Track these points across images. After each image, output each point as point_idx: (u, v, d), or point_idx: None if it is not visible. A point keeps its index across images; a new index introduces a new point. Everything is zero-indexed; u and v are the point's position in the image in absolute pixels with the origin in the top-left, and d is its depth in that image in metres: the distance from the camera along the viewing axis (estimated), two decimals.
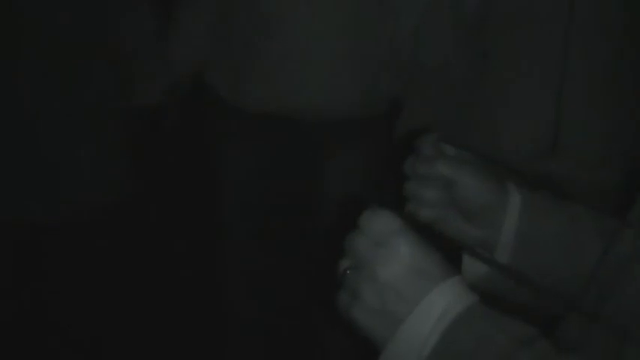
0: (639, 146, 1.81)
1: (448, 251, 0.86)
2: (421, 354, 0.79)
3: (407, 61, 2.05)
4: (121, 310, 2.23)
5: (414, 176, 1.03)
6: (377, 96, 2.14)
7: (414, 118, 1.98)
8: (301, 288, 2.27)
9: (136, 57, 2.11)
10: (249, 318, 2.30)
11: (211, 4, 2.15)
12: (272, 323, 2.32)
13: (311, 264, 2.22)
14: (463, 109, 1.90)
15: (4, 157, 1.97)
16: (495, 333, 0.79)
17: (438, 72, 1.94)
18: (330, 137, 2.15)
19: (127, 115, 2.11)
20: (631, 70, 1.81)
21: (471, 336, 0.79)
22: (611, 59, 1.78)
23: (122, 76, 2.08)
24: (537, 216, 1.01)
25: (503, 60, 1.83)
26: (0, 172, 1.97)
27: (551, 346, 0.78)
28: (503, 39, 1.82)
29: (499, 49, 1.83)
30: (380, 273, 0.81)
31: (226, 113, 2.19)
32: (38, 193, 1.99)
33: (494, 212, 1.01)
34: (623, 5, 1.76)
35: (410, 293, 0.81)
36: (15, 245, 2.06)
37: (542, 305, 0.93)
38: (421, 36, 1.98)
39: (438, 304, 0.80)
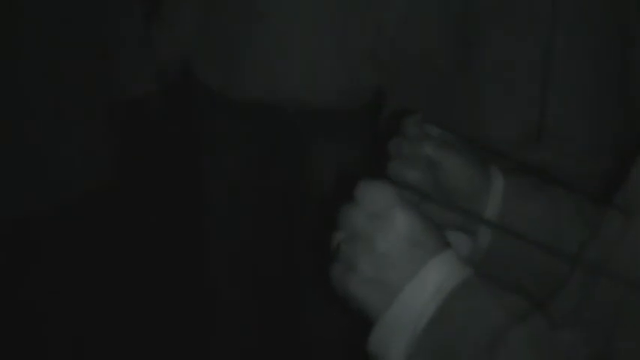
0: (626, 136, 1.82)
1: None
2: (417, 325, 0.79)
3: (393, 51, 2.05)
4: (108, 298, 2.23)
5: (398, 156, 1.03)
6: (362, 85, 2.14)
7: (400, 107, 1.98)
8: (289, 274, 2.27)
9: (123, 47, 2.11)
10: (237, 308, 2.30)
11: None
12: (260, 311, 2.32)
13: (298, 249, 2.22)
14: (449, 98, 1.90)
15: None
16: (491, 306, 0.79)
17: (424, 61, 1.94)
18: (316, 126, 2.15)
19: (113, 106, 2.11)
20: (616, 60, 1.81)
21: (468, 309, 0.79)
22: (596, 49, 1.79)
23: (109, 66, 2.08)
24: (520, 201, 1.01)
25: (489, 49, 1.84)
26: None
27: (545, 321, 0.78)
28: (489, 28, 1.82)
29: (484, 38, 1.84)
30: (377, 244, 0.81)
31: (213, 103, 2.19)
32: (24, 184, 1.98)
33: (476, 195, 1.01)
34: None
35: (407, 264, 0.80)
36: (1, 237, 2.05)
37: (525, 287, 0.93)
38: (407, 25, 1.98)
39: (435, 276, 0.80)
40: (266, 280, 2.29)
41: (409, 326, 0.80)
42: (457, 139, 1.04)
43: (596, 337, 0.79)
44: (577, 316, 0.84)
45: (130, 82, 2.14)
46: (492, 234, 1.00)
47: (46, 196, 1.99)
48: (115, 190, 2.10)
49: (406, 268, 0.80)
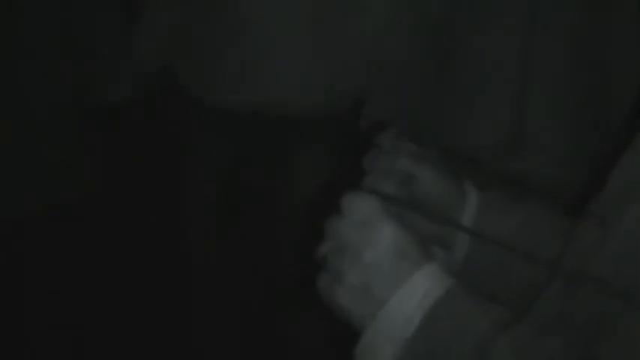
0: (602, 146, 1.84)
1: None
2: (403, 335, 0.81)
3: (371, 59, 2.06)
4: (88, 301, 2.22)
5: (373, 170, 1.04)
6: (342, 94, 2.15)
7: (379, 116, 2.00)
8: (268, 282, 2.28)
9: (102, 53, 2.11)
10: (216, 315, 2.30)
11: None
12: (241, 320, 2.33)
13: (282, 258, 2.23)
14: (428, 106, 1.92)
15: None
16: (476, 316, 0.81)
17: (402, 70, 1.96)
18: (296, 134, 2.16)
19: (92, 112, 2.11)
20: (594, 68, 1.84)
21: (453, 319, 0.81)
22: (573, 58, 1.82)
23: (88, 72, 2.08)
24: (494, 214, 1.03)
25: (466, 58, 1.86)
26: None
27: (528, 330, 0.81)
28: (466, 37, 1.84)
29: (462, 47, 1.86)
30: (364, 255, 0.83)
31: (193, 110, 2.19)
32: (2, 188, 1.97)
33: (451, 209, 1.02)
34: (581, 6, 1.79)
35: (393, 275, 0.82)
36: None
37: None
38: (386, 34, 2.00)
39: (420, 287, 0.82)
40: (248, 288, 2.30)
41: (395, 336, 0.81)
42: (432, 153, 1.05)
43: (576, 345, 0.81)
44: (556, 326, 0.87)
45: (109, 89, 2.14)
46: (468, 246, 1.02)
47: (23, 202, 1.99)
48: (94, 197, 2.10)
49: (392, 279, 0.82)
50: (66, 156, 2.03)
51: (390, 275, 0.82)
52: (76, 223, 2.10)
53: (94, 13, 2.08)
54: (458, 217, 1.02)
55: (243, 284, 2.31)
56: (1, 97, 1.94)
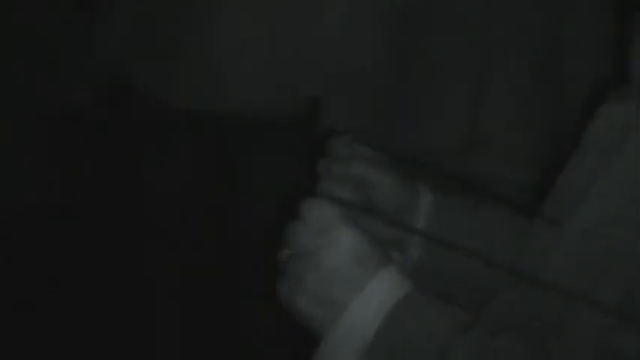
0: (562, 147, 1.86)
1: None
2: (364, 339, 0.82)
3: (331, 63, 2.07)
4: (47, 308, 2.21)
5: (328, 176, 1.05)
6: (301, 97, 2.15)
7: (339, 118, 2.01)
8: (225, 287, 2.27)
9: (61, 57, 2.10)
10: (175, 319, 2.30)
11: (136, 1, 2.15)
12: (197, 323, 2.32)
13: (240, 262, 2.23)
14: (388, 109, 1.94)
15: None
16: (435, 319, 0.82)
17: (362, 73, 1.97)
18: (251, 137, 2.16)
19: (53, 116, 2.10)
20: (552, 70, 1.86)
21: (412, 322, 0.82)
22: (531, 58, 1.84)
23: (48, 76, 2.07)
24: (448, 216, 1.05)
25: (427, 61, 1.87)
26: None
27: (487, 331, 0.82)
28: (427, 40, 1.86)
29: (422, 50, 1.87)
30: (323, 261, 0.84)
31: (152, 113, 2.19)
32: None
33: (406, 212, 1.04)
34: (537, 7, 1.82)
35: (352, 280, 0.84)
36: None
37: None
38: (346, 37, 2.01)
39: (380, 291, 0.83)
40: (205, 293, 2.29)
41: (355, 341, 0.83)
42: (386, 157, 1.07)
43: (531, 346, 0.83)
44: (511, 327, 0.88)
45: (69, 94, 2.13)
46: (423, 249, 1.04)
47: None
48: (54, 203, 2.09)
49: (351, 284, 0.84)
50: (29, 159, 2.02)
51: (349, 280, 0.84)
52: (38, 226, 2.08)
53: (54, 16, 2.07)
54: (412, 220, 1.04)
55: (205, 286, 2.30)
56: None
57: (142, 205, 2.26)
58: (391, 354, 0.81)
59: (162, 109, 2.16)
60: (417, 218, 1.04)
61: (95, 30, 2.19)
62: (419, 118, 1.89)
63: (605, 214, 0.86)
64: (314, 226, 0.85)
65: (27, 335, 2.23)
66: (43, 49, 2.05)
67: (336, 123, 1.98)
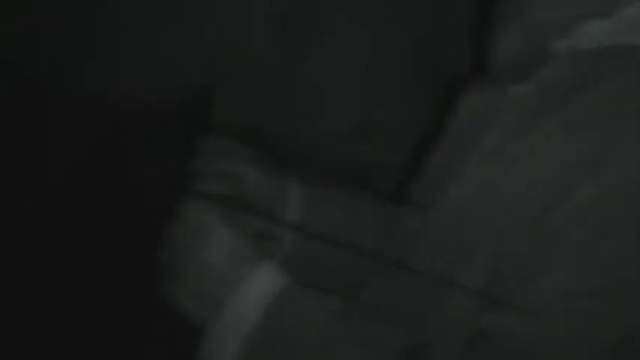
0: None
1: None
2: (246, 333, 0.84)
3: (221, 50, 2.07)
4: None
5: (201, 174, 1.06)
6: (189, 84, 2.15)
7: (229, 107, 2.02)
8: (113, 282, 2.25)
9: None
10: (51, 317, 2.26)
11: None
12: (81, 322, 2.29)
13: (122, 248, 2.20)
14: (278, 96, 1.95)
15: None
16: (314, 309, 0.86)
17: (252, 61, 1.98)
18: (142, 124, 2.15)
19: None
20: (431, 54, 1.90)
21: (292, 315, 0.85)
22: (417, 46, 1.87)
23: None
24: (318, 206, 1.07)
25: (314, 48, 1.89)
26: None
27: (365, 318, 0.86)
28: (312, 28, 1.88)
29: (309, 37, 1.89)
30: (201, 259, 0.87)
31: (42, 99, 2.16)
32: None
33: (278, 205, 1.06)
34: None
35: (230, 276, 0.86)
36: None
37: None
38: (235, 25, 2.01)
39: (257, 286, 0.86)
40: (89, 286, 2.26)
41: (236, 336, 0.85)
42: (255, 153, 1.09)
43: (408, 331, 0.86)
44: (385, 313, 0.91)
45: None
46: (295, 240, 1.06)
47: None
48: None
49: (230, 281, 0.86)
50: None
51: (227, 277, 0.86)
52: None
53: None
54: (283, 212, 1.06)
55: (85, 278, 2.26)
56: None
57: (26, 189, 2.22)
58: (271, 348, 0.84)
59: (53, 95, 2.14)
60: (287, 210, 1.06)
61: None
62: (311, 105, 1.91)
63: (468, 199, 0.89)
64: (191, 227, 0.88)
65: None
66: None
67: (225, 112, 1.99)
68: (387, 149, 1.86)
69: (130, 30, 2.06)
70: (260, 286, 0.86)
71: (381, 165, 1.82)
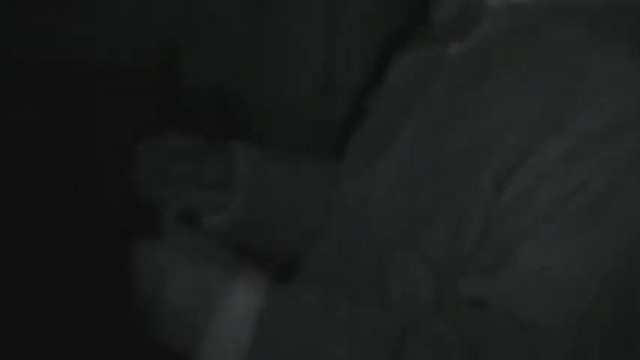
0: None
1: None
2: (237, 347, 0.83)
3: (188, 13, 2.06)
4: None
5: (153, 173, 1.08)
6: (158, 47, 2.13)
7: (196, 69, 2.01)
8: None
9: None
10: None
11: None
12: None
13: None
14: (245, 59, 1.95)
15: None
16: (297, 313, 0.84)
17: (218, 24, 1.97)
18: (102, 87, 2.14)
19: None
20: (400, 17, 1.89)
21: (281, 320, 0.84)
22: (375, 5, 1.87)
23: None
24: (263, 169, 1.08)
25: (280, 12, 1.89)
26: None
27: (348, 309, 0.85)
28: None
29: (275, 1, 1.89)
30: (169, 298, 0.86)
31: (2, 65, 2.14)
32: None
33: (225, 172, 1.07)
34: None
35: (204, 304, 0.85)
36: None
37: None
38: None
39: (237, 305, 0.84)
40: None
41: (229, 349, 0.83)
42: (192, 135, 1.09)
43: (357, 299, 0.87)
44: (329, 278, 0.92)
45: None
46: (243, 205, 1.06)
47: None
48: None
49: (206, 308, 0.84)
50: None
51: (199, 306, 0.85)
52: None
53: None
54: (232, 177, 1.06)
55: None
56: None
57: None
58: (267, 356, 0.83)
59: (13, 60, 2.12)
60: (236, 174, 1.07)
61: None
62: (277, 67, 1.90)
63: (415, 158, 0.88)
64: (154, 266, 0.87)
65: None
66: None
67: (192, 75, 1.98)
68: (352, 109, 1.86)
69: None
70: (245, 298, 0.84)
71: (344, 125, 1.82)
